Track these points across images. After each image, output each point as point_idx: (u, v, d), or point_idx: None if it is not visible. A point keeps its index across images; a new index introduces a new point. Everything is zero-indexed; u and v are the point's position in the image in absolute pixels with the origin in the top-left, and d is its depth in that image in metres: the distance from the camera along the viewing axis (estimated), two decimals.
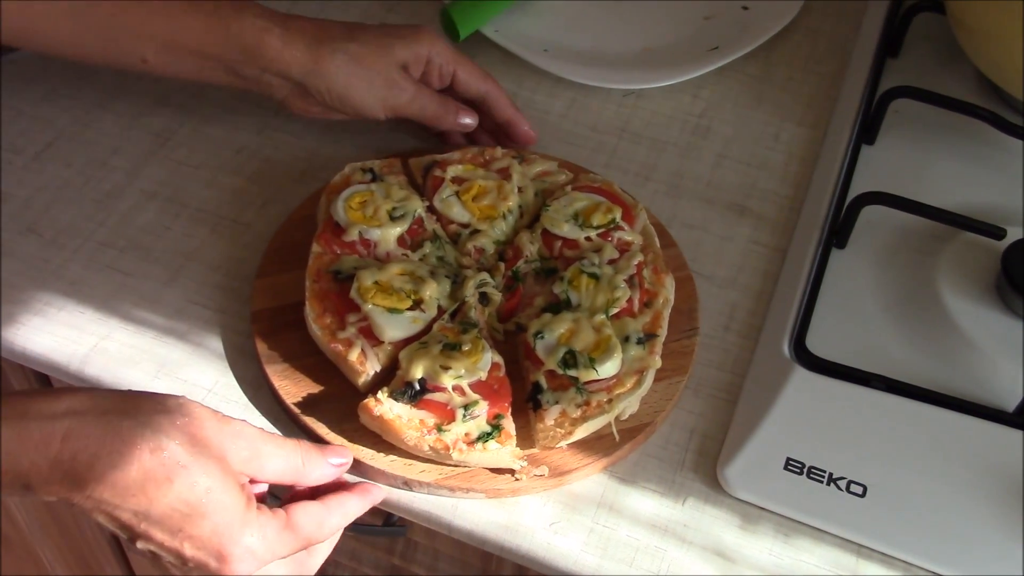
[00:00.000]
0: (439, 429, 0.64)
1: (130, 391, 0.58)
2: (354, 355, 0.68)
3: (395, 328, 0.69)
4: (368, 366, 0.68)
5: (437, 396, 0.65)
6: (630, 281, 0.72)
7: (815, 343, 0.71)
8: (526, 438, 0.66)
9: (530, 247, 0.75)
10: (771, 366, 0.70)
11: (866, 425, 0.67)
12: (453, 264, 0.75)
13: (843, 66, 0.94)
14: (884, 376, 0.68)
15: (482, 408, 0.65)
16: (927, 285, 0.75)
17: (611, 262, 0.73)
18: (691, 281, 0.76)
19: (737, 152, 0.87)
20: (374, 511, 0.75)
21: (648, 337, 0.69)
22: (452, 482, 0.65)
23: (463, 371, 0.66)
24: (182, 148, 0.85)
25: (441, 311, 0.71)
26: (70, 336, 0.73)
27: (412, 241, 0.75)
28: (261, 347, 0.70)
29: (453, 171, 0.78)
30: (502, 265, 0.74)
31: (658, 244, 0.76)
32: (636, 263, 0.73)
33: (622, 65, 0.92)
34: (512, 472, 0.65)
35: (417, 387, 0.65)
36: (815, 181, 0.83)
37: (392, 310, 0.69)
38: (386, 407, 0.65)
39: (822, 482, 0.65)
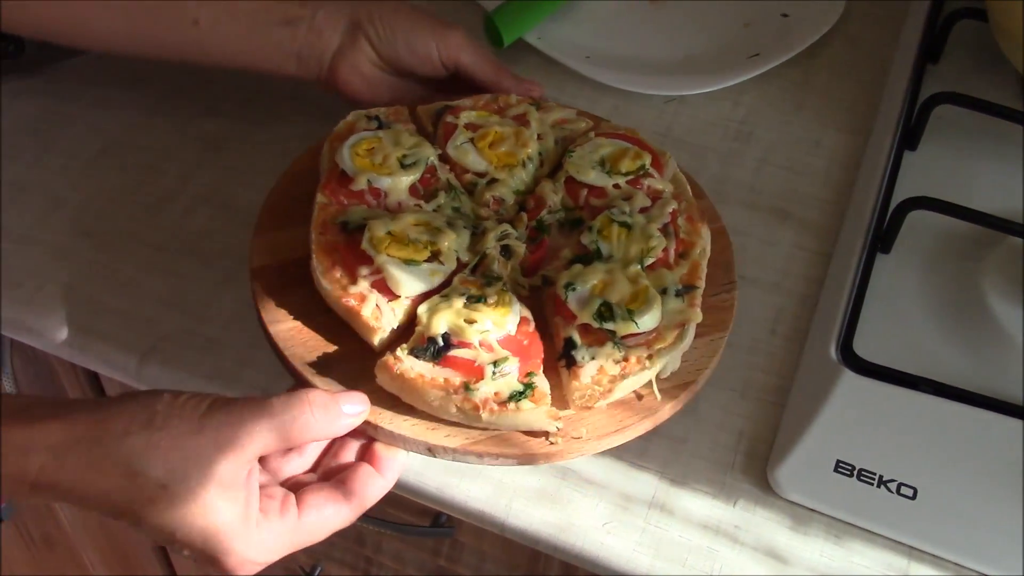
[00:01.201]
0: (467, 388, 0.60)
1: (104, 406, 0.56)
2: (368, 310, 0.63)
3: (412, 281, 0.64)
4: (384, 322, 0.63)
5: (462, 353, 0.61)
6: (664, 230, 0.68)
7: (861, 347, 0.71)
8: (559, 399, 0.62)
9: (553, 197, 0.71)
10: (819, 369, 0.71)
11: (915, 428, 0.67)
12: (470, 215, 0.70)
13: (883, 72, 0.94)
14: (932, 380, 0.69)
15: (513, 365, 0.61)
16: (973, 289, 0.75)
17: (643, 211, 0.69)
18: (725, 234, 0.73)
19: (779, 158, 0.88)
20: (422, 511, 0.76)
21: (687, 289, 0.66)
22: (480, 447, 0.60)
23: (490, 325, 0.62)
24: (232, 153, 0.86)
25: (461, 264, 0.66)
26: (127, 338, 0.74)
27: (425, 191, 0.70)
28: (263, 307, 0.66)
29: (467, 117, 0.74)
30: (524, 216, 0.70)
31: (690, 192, 0.73)
32: (670, 211, 0.69)
33: (663, 72, 0.93)
34: (547, 435, 0.61)
35: (440, 343, 0.61)
36: (858, 186, 0.84)
37: (409, 261, 0.64)
38: (407, 365, 0.60)
39: (872, 484, 0.65)
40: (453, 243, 0.66)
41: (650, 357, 0.63)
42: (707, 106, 0.92)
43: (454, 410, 0.59)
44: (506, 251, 0.68)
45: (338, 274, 0.65)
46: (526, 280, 0.68)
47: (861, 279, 0.76)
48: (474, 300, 0.63)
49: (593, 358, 0.62)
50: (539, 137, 0.74)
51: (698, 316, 0.65)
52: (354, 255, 0.65)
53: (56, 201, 0.82)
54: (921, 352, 0.72)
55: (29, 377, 0.91)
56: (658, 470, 0.68)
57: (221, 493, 0.55)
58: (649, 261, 0.66)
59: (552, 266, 0.68)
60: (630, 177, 0.71)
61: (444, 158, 0.73)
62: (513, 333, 0.63)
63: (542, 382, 0.62)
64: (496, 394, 0.60)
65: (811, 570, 0.63)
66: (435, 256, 0.65)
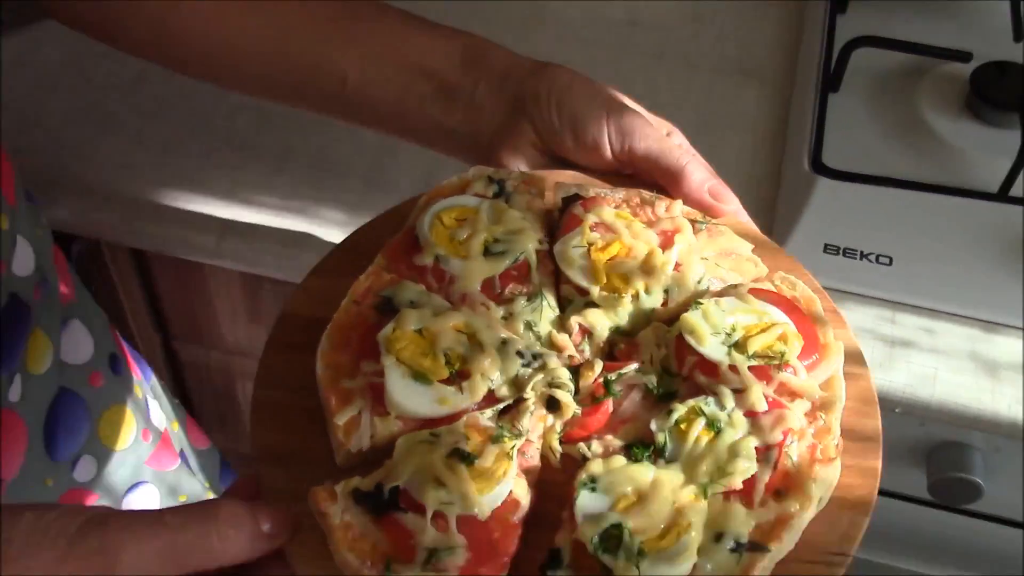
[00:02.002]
0: (387, 568, 0.45)
1: None
2: (343, 418, 0.50)
3: (411, 401, 0.49)
4: (353, 439, 0.49)
5: (409, 520, 0.46)
6: (765, 453, 0.48)
7: (829, 160, 0.85)
8: None
9: (653, 350, 0.53)
10: (798, 180, 0.84)
11: (884, 214, 0.81)
12: (542, 339, 0.54)
13: None
14: (889, 176, 0.83)
15: (456, 560, 0.45)
16: (913, 112, 0.90)
17: (751, 415, 0.49)
18: (870, 490, 0.49)
19: (733, 31, 1.02)
20: None
21: (753, 548, 0.46)
22: None
23: (457, 497, 0.46)
24: None
25: (489, 399, 0.51)
26: (198, 222, 0.84)
27: (502, 291, 0.54)
28: (265, 364, 0.54)
29: (599, 215, 0.56)
30: (599, 364, 0.53)
31: (840, 411, 0.51)
32: (785, 429, 0.49)
33: None
34: None
35: (386, 496, 0.46)
36: (804, 42, 0.98)
37: (417, 376, 0.50)
38: (336, 508, 0.46)
39: (856, 258, 0.80)
40: (490, 370, 0.50)
41: None
42: None
43: None
44: (553, 404, 0.52)
45: (342, 359, 0.51)
46: (560, 448, 0.52)
47: (820, 111, 0.90)
48: (461, 456, 0.47)
49: None
50: (677, 266, 0.55)
51: None
52: (369, 343, 0.51)
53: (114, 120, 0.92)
54: (876, 160, 0.87)
55: (84, 263, 1.00)
56: None
57: None
58: (721, 488, 0.48)
59: (602, 441, 0.51)
60: (756, 363, 0.51)
61: (552, 257, 0.56)
62: (483, 518, 0.46)
63: None
64: None
65: None
66: (459, 378, 0.50)
